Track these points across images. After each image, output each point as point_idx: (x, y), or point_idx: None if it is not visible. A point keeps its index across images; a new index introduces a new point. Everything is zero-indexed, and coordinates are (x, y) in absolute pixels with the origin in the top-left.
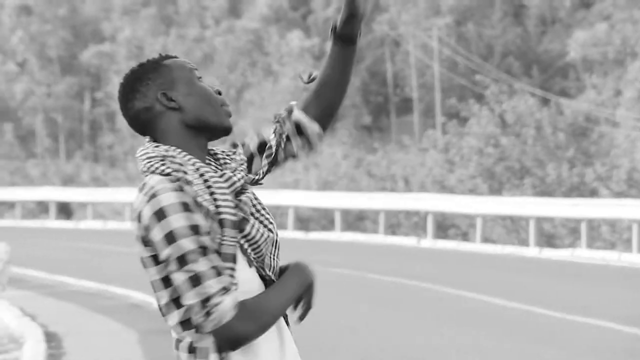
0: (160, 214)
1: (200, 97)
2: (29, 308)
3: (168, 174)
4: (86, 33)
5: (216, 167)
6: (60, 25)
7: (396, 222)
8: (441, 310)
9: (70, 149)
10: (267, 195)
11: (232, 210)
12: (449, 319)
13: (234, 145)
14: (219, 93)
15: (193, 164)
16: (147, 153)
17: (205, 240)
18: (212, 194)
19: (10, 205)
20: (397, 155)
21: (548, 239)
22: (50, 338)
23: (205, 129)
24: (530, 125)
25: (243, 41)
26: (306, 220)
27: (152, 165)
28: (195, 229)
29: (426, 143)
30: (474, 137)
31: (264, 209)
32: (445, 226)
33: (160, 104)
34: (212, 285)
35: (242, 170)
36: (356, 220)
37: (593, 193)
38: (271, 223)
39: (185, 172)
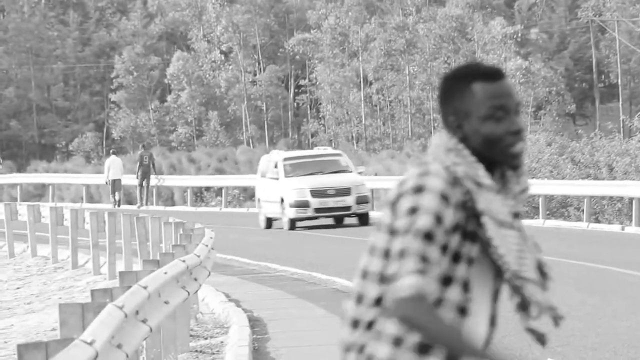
0: (418, 189)
1: (485, 138)
2: (234, 294)
3: (447, 167)
4: (291, 21)
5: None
6: (264, 14)
7: (599, 209)
8: None
9: (275, 136)
10: None
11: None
12: None
13: None
14: (517, 132)
15: (473, 166)
16: (438, 139)
17: (439, 233)
18: (475, 201)
19: (216, 192)
20: (601, 142)
21: None
22: (255, 323)
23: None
24: None
25: (446, 28)
26: None
27: (436, 153)
28: (438, 218)
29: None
30: None
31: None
32: None
33: (453, 122)
34: (409, 263)
35: (517, 199)
36: (559, 207)
37: None
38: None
39: (459, 169)
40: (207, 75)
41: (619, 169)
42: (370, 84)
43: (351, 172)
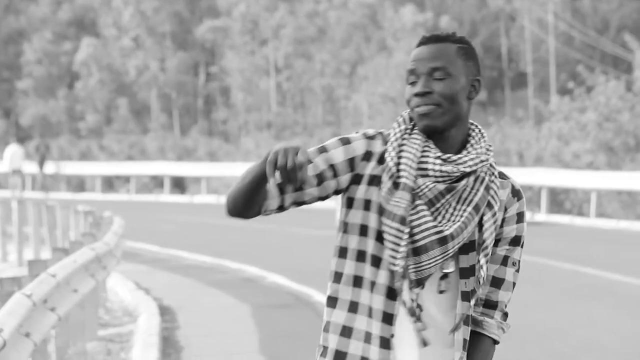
0: (344, 139)
1: (406, 102)
2: (143, 282)
3: (374, 129)
4: (201, 8)
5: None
6: (173, 1)
7: None
8: (555, 285)
9: (184, 124)
10: None
11: (410, 177)
12: (563, 293)
13: None
14: (420, 94)
15: (404, 129)
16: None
17: (324, 164)
18: (399, 156)
19: (126, 179)
20: (511, 130)
21: None
22: (165, 312)
23: None
24: None
25: (357, 16)
26: None
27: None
28: (339, 160)
29: (544, 114)
30: (594, 111)
31: (461, 211)
32: (559, 201)
33: None
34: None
35: (455, 172)
36: None
37: None
38: (454, 223)
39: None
40: (117, 63)
41: (529, 157)
42: (281, 71)
43: None
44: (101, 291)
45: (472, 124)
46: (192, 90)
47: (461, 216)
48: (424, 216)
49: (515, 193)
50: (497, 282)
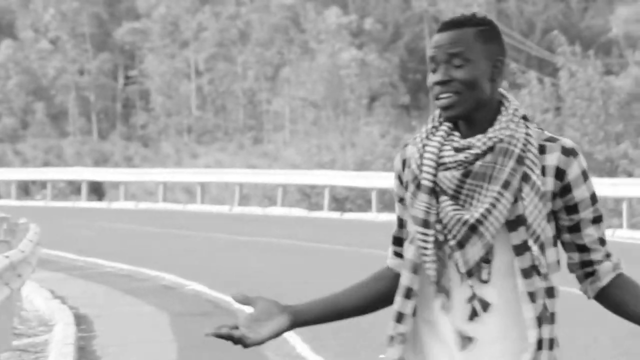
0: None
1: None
2: (59, 290)
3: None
4: (120, 10)
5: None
6: (93, 2)
7: None
8: None
9: (102, 128)
10: (302, 175)
11: (429, 177)
12: None
13: None
14: (440, 83)
15: (430, 127)
16: None
17: (395, 199)
18: (422, 157)
19: (42, 185)
20: None
21: None
22: (81, 320)
23: None
24: (582, 97)
25: (279, 18)
26: (342, 200)
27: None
28: (395, 186)
29: None
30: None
31: (489, 191)
32: None
33: None
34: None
35: (473, 150)
36: (393, 200)
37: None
38: (483, 205)
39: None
40: (34, 65)
41: None
42: (202, 74)
43: None
44: (16, 300)
45: (506, 100)
46: (111, 94)
47: (487, 197)
48: (449, 210)
49: (569, 152)
50: (600, 241)
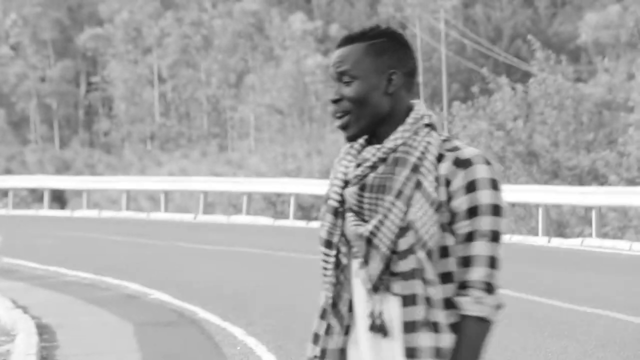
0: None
1: None
2: (21, 300)
3: None
4: (82, 15)
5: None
6: (55, 8)
7: None
8: None
9: (65, 135)
10: (268, 183)
11: (335, 197)
12: None
13: None
14: (334, 101)
15: (347, 147)
16: None
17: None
18: (335, 176)
19: (3, 193)
20: None
21: (557, 228)
22: (43, 330)
23: None
24: (552, 105)
25: (243, 24)
26: (308, 208)
27: None
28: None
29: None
30: (486, 119)
31: (383, 202)
32: None
33: None
34: None
35: (366, 164)
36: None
37: (605, 180)
38: (358, 226)
39: None
40: None
41: None
42: (165, 81)
43: None
44: None
45: (412, 110)
46: (73, 101)
47: (382, 208)
48: (350, 225)
49: (460, 163)
50: (466, 261)
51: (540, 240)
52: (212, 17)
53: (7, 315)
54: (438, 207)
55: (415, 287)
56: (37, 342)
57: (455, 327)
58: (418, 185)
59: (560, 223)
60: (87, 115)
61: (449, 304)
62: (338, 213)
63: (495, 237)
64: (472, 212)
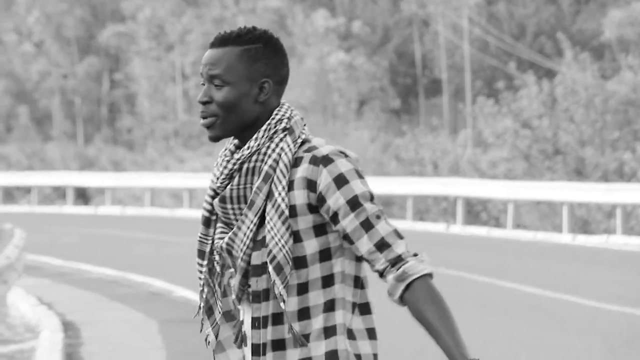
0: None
1: None
2: (45, 297)
3: None
4: (105, 12)
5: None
6: (78, 5)
7: (424, 208)
8: (471, 299)
9: (87, 132)
10: None
11: (206, 206)
12: (479, 308)
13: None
14: (201, 102)
15: (223, 151)
16: None
17: None
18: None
19: (26, 190)
20: (425, 139)
21: (582, 225)
22: (68, 327)
23: None
24: (579, 103)
25: (266, 21)
26: None
27: None
28: None
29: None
30: (511, 117)
31: (238, 216)
32: (476, 212)
33: None
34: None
35: (224, 174)
36: (383, 205)
37: (631, 177)
38: (220, 239)
39: None
40: (18, 69)
41: (444, 167)
42: (188, 78)
43: None
44: (1, 306)
45: (277, 115)
46: (96, 98)
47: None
48: (216, 237)
49: (319, 161)
50: (379, 246)
51: (565, 237)
52: (235, 14)
53: (32, 312)
54: (299, 211)
55: (262, 308)
56: (62, 339)
57: (306, 338)
58: (270, 196)
59: (585, 220)
60: (110, 112)
61: (303, 314)
62: (210, 223)
63: (381, 216)
64: (353, 203)
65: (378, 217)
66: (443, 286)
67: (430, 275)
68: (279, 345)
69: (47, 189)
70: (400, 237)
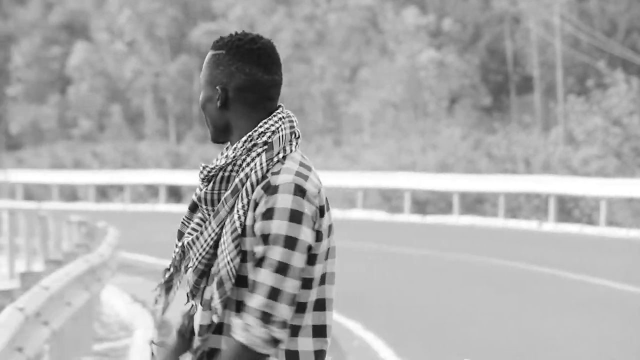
0: None
1: None
2: (139, 294)
3: None
4: (196, 11)
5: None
6: (169, 3)
7: (516, 205)
8: (563, 297)
9: (179, 130)
10: (384, 178)
11: (197, 192)
12: (571, 305)
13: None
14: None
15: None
16: None
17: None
18: None
19: (120, 188)
20: (517, 136)
21: None
22: (162, 325)
23: None
24: None
25: (357, 19)
26: (423, 203)
27: None
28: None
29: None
30: (601, 115)
31: (201, 220)
32: (568, 209)
33: None
34: None
35: (204, 174)
36: (475, 203)
37: None
38: (190, 235)
39: None
40: (110, 68)
41: (536, 164)
42: None
43: None
44: (95, 304)
45: (258, 127)
46: (188, 96)
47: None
48: (190, 232)
49: (267, 189)
50: (251, 286)
51: None
52: (325, 11)
53: (126, 309)
54: (248, 232)
55: (206, 317)
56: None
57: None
58: (232, 210)
59: None
60: (201, 110)
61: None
62: (196, 209)
63: (282, 269)
64: (265, 239)
65: (271, 265)
66: (536, 284)
67: (247, 348)
68: (212, 353)
69: (140, 187)
70: (270, 296)
